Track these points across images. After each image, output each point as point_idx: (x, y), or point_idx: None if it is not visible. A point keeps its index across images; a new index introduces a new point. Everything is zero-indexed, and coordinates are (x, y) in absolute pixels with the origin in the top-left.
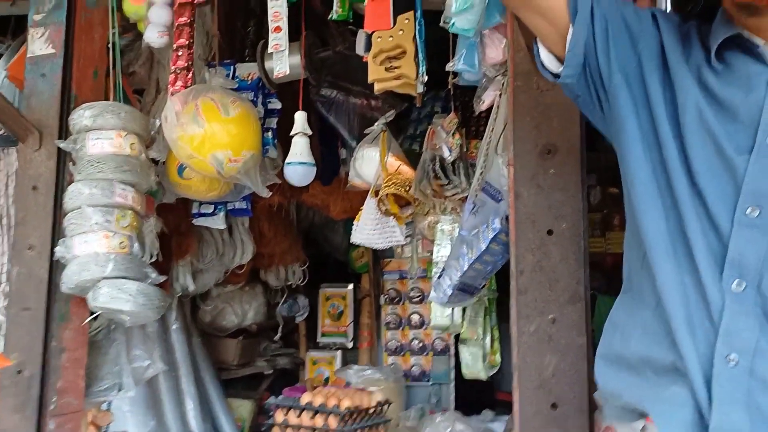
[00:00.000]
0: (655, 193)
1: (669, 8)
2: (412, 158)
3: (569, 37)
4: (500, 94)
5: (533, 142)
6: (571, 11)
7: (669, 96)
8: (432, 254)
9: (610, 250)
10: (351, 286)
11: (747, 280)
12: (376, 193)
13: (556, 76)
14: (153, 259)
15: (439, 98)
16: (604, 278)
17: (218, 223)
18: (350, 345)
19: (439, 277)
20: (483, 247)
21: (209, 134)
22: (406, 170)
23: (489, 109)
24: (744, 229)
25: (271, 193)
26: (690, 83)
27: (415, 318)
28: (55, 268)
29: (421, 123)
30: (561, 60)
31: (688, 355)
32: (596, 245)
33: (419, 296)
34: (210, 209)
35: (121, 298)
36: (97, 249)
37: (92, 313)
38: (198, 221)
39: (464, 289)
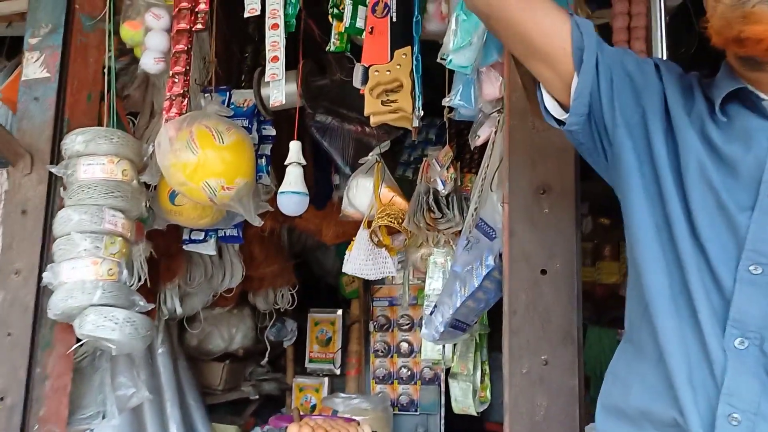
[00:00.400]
0: (657, 247)
1: (665, 54)
2: (405, 186)
3: (574, 85)
4: (496, 131)
5: (528, 180)
6: (576, 61)
7: (672, 149)
8: (421, 281)
9: (600, 280)
10: (340, 312)
11: (749, 338)
12: (369, 224)
13: (561, 123)
14: (141, 283)
15: (434, 125)
16: (594, 309)
17: (209, 249)
18: (338, 372)
19: (431, 313)
20: (476, 284)
21: (203, 162)
22: (400, 202)
23: (484, 144)
24: (746, 286)
25: (263, 222)
26: (692, 137)
27: (404, 346)
28: (42, 293)
29: (414, 149)
30: (565, 107)
31: (690, 412)
32: (586, 275)
33: (409, 324)
34: (201, 236)
35: (108, 326)
36: (85, 276)
37: (78, 341)
38: (189, 247)
39: (456, 325)
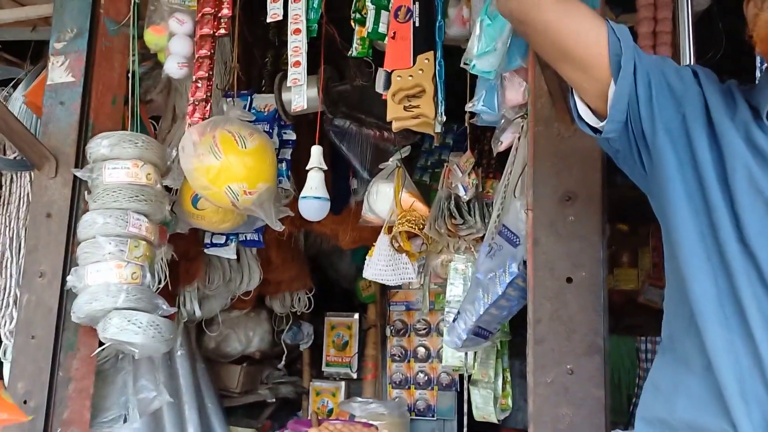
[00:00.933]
0: (703, 255)
1: (692, 59)
2: (423, 190)
3: (612, 92)
4: (519, 137)
5: (553, 188)
6: (614, 67)
7: (716, 156)
8: (438, 287)
9: (617, 287)
10: (357, 316)
11: None
12: (390, 230)
13: (596, 130)
14: (162, 285)
15: (451, 130)
16: (612, 316)
17: (230, 253)
18: (355, 376)
19: (454, 320)
20: (499, 291)
21: (226, 166)
22: (421, 207)
23: (506, 150)
24: None
25: (283, 227)
26: (738, 142)
27: (421, 351)
28: (65, 296)
29: (432, 154)
30: (599, 114)
31: (741, 423)
32: None
33: (425, 329)
34: (222, 239)
35: (132, 329)
36: (109, 279)
37: (101, 344)
38: (210, 251)
39: (479, 333)
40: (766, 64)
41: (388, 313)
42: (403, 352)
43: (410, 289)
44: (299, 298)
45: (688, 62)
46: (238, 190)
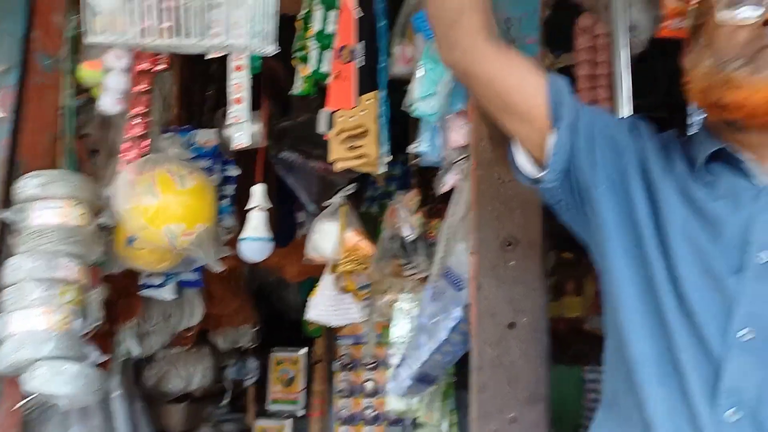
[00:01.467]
0: (642, 313)
1: (629, 102)
2: (370, 221)
3: (553, 140)
4: (462, 178)
5: (494, 233)
6: (554, 117)
7: (654, 210)
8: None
9: (563, 315)
10: (304, 351)
11: (742, 408)
12: (334, 269)
13: (536, 181)
14: (97, 325)
15: (398, 162)
16: (557, 344)
17: (167, 294)
18: (301, 413)
19: (398, 366)
20: (443, 337)
21: (164, 206)
22: (366, 246)
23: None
24: (738, 353)
25: (224, 267)
26: (675, 197)
27: (369, 385)
28: None
29: (379, 187)
30: (540, 164)
31: None
32: (550, 310)
33: (374, 363)
34: (159, 280)
35: (59, 381)
36: (37, 326)
37: (27, 395)
38: (146, 292)
39: (423, 379)
40: (701, 116)
41: (335, 346)
42: (351, 387)
43: (358, 323)
44: (243, 333)
45: (624, 105)
46: (176, 231)
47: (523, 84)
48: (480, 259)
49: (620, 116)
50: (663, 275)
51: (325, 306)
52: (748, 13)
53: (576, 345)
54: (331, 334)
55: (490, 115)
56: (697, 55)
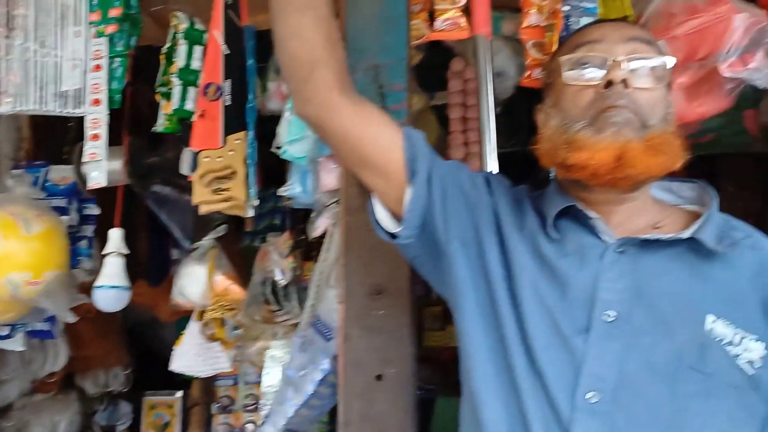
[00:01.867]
0: (493, 375)
1: (494, 146)
2: (252, 257)
3: (408, 197)
4: (334, 223)
5: (362, 281)
6: (409, 172)
7: (506, 267)
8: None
9: (449, 344)
10: (180, 394)
11: None
12: (201, 315)
13: (392, 236)
14: None
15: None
16: (442, 373)
17: (16, 345)
18: None
19: (264, 423)
20: (310, 390)
21: (5, 254)
22: (236, 291)
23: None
24: (584, 415)
25: (76, 318)
26: (526, 255)
27: (249, 428)
28: None
29: (262, 219)
30: (398, 219)
31: None
32: (435, 339)
33: (254, 404)
34: (5, 330)
35: None
36: None
37: None
38: None
39: None
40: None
41: (213, 388)
42: (230, 430)
43: (236, 362)
44: (115, 376)
45: (489, 150)
46: (19, 281)
47: (378, 138)
48: (348, 308)
49: (487, 161)
50: (515, 335)
51: (191, 355)
52: (592, 74)
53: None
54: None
55: (349, 169)
56: (546, 115)
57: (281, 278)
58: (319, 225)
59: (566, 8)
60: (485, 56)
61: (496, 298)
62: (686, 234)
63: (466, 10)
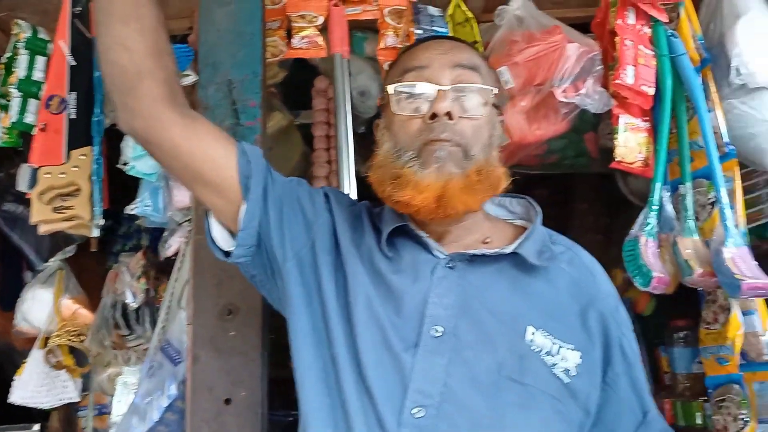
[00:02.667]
0: (324, 394)
1: (352, 164)
2: None
3: (242, 215)
4: (187, 241)
5: (213, 301)
6: (244, 189)
7: (341, 284)
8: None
9: None
10: (37, 427)
11: None
12: (46, 341)
13: (226, 254)
14: None
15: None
16: None
17: None
18: None
19: None
20: (156, 417)
21: None
22: (85, 315)
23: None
24: (410, 431)
25: None
26: (361, 271)
27: None
28: None
29: (130, 239)
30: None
31: None
32: None
33: None
34: None
35: None
36: None
37: None
38: None
39: None
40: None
41: (75, 419)
42: None
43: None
44: None
45: (347, 168)
46: None
47: (211, 155)
48: (197, 329)
49: (345, 179)
50: (346, 353)
51: (33, 386)
52: (418, 105)
53: None
54: (71, 405)
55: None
56: (381, 135)
57: (132, 301)
58: (172, 244)
59: (419, 32)
60: (343, 75)
61: (329, 317)
62: (509, 249)
63: (324, 29)
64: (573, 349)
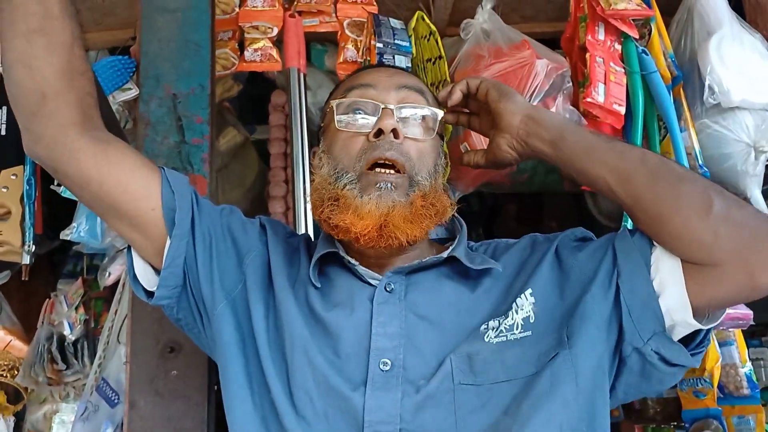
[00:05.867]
0: None
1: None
2: None
3: (166, 252)
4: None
5: (154, 337)
6: (168, 223)
7: (274, 325)
8: None
9: None
10: None
11: None
12: None
13: (149, 295)
14: None
15: None
16: None
17: None
18: None
19: None
20: None
21: None
22: (20, 348)
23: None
24: None
25: None
26: (295, 311)
27: None
28: None
29: (80, 259)
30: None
31: None
32: None
33: None
34: None
35: None
36: None
37: None
38: None
39: None
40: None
41: None
42: None
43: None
44: None
45: (302, 187)
46: None
47: (130, 186)
48: (135, 368)
49: (301, 199)
50: (283, 400)
51: None
52: (363, 121)
53: None
54: None
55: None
56: (319, 160)
57: (70, 332)
58: (112, 272)
59: (380, 45)
60: (299, 91)
61: (264, 362)
62: (445, 254)
63: (280, 41)
64: (524, 295)
